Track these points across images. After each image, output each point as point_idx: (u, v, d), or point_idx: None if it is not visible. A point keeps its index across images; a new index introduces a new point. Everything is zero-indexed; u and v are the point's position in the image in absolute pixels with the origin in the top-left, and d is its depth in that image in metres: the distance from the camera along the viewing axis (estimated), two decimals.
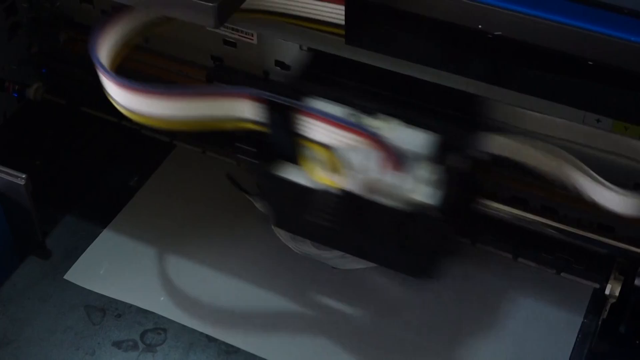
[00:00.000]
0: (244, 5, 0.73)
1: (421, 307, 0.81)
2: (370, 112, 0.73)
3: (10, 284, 0.83)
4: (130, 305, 0.81)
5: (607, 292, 0.78)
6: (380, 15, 0.72)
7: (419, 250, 0.78)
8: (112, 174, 0.94)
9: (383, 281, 0.83)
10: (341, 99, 0.75)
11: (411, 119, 0.73)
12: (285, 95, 0.71)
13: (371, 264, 0.84)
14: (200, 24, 0.74)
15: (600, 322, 0.78)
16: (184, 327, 0.79)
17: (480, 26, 0.68)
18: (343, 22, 0.74)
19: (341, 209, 0.75)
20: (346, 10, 0.73)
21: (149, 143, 0.96)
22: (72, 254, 0.86)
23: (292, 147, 0.73)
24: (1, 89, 0.94)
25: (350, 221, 0.77)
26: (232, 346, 0.78)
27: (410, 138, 0.72)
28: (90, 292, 0.82)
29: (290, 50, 0.86)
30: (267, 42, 0.86)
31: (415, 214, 0.72)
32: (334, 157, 0.72)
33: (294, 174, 0.76)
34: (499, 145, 0.73)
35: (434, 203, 0.72)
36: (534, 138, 0.74)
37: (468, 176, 0.75)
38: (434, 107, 0.75)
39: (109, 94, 0.73)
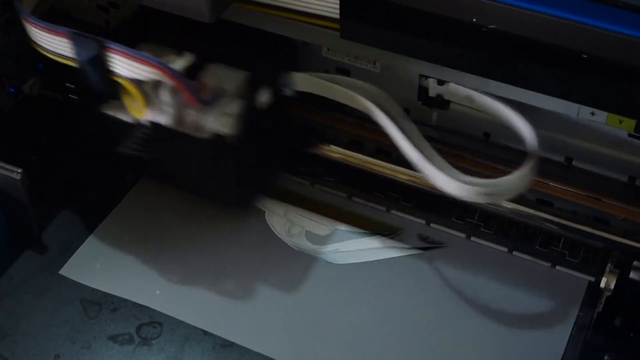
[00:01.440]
0: None
1: (416, 301, 0.81)
2: (178, 51, 0.80)
3: (6, 278, 0.83)
4: (126, 300, 0.81)
5: (602, 285, 0.79)
6: (375, 8, 0.72)
7: (230, 179, 0.85)
8: (108, 170, 0.94)
9: (378, 276, 0.83)
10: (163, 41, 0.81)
11: (217, 57, 0.80)
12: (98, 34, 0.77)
13: (367, 259, 0.84)
14: (195, 18, 0.74)
15: (595, 315, 0.79)
16: (179, 321, 0.79)
17: (474, 19, 0.68)
18: (337, 16, 0.74)
19: (154, 141, 0.82)
20: (341, 4, 0.73)
21: None
22: (68, 249, 0.86)
23: (106, 83, 0.78)
24: None
25: (164, 152, 0.84)
26: (227, 340, 0.78)
27: (219, 75, 0.79)
28: (85, 286, 0.82)
29: None
30: None
31: (218, 143, 0.78)
32: (138, 91, 0.77)
33: (113, 110, 0.82)
34: (301, 81, 0.80)
35: (235, 133, 0.78)
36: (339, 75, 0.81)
37: (275, 111, 0.82)
38: (247, 49, 0.82)
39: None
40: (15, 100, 0.97)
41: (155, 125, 0.80)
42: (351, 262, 0.85)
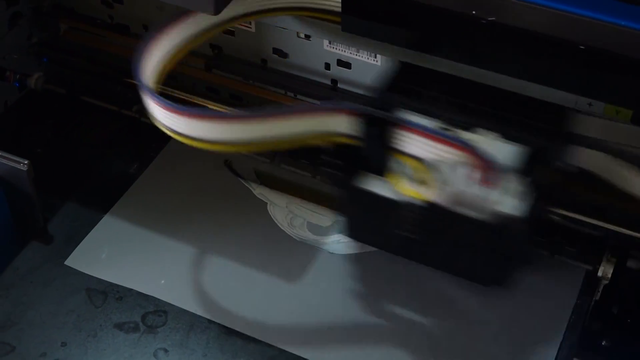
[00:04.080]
0: None
1: (415, 289, 0.82)
2: (461, 125, 0.73)
3: (12, 269, 0.84)
4: (131, 289, 0.82)
5: (599, 273, 0.80)
6: (377, 1, 0.73)
7: (498, 261, 0.77)
8: (112, 161, 0.95)
9: (378, 265, 0.84)
10: (429, 112, 0.74)
11: (501, 131, 0.72)
12: (378, 108, 0.71)
13: (368, 249, 0.85)
14: (199, 11, 0.75)
15: (593, 303, 0.80)
16: (184, 310, 0.80)
17: (474, 12, 0.69)
18: (339, 9, 0.75)
19: (426, 221, 0.74)
20: None
21: (148, 131, 0.97)
22: (73, 240, 0.87)
23: (382, 160, 0.73)
24: (2, 78, 0.95)
25: (434, 233, 0.76)
26: (231, 329, 0.79)
27: (500, 150, 0.71)
28: (91, 276, 0.83)
29: (288, 38, 0.87)
30: (265, 30, 0.87)
31: (501, 225, 0.71)
32: (424, 170, 0.71)
33: (379, 187, 0.75)
34: (587, 159, 0.73)
35: (519, 215, 0.70)
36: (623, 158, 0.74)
37: (554, 188, 0.75)
38: (518, 118, 0.74)
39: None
40: (20, 95, 0.98)
41: (426, 205, 0.72)
42: (353, 252, 0.86)
